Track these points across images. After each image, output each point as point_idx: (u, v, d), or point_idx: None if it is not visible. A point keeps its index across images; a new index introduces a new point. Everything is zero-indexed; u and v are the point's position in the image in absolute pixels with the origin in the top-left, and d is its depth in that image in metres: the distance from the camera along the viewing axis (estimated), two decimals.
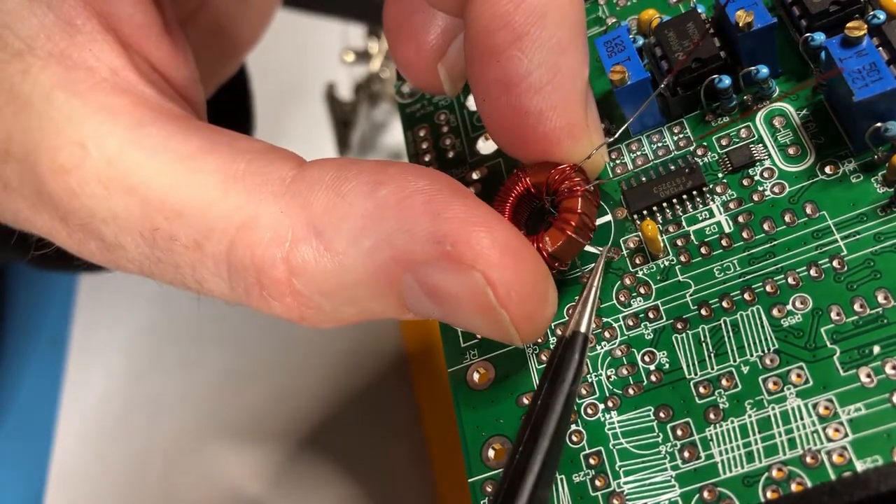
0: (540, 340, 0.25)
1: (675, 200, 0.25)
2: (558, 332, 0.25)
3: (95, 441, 0.51)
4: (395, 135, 0.53)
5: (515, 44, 0.22)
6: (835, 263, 0.22)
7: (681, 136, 0.26)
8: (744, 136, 0.25)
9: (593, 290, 0.23)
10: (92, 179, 0.23)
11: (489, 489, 0.23)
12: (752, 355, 0.22)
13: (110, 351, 0.55)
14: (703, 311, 0.23)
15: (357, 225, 0.21)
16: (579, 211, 0.23)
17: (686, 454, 0.22)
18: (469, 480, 0.24)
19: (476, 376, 0.25)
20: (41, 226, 0.25)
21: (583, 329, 0.22)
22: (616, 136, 0.26)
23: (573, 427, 0.23)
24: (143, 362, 0.53)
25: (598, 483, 0.22)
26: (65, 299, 0.58)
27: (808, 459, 0.20)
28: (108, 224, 0.23)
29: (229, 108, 0.42)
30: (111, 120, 0.23)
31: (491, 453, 0.24)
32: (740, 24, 0.24)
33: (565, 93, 0.23)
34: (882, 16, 0.24)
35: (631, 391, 0.23)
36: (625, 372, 0.24)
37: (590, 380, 0.24)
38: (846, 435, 0.20)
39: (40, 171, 0.23)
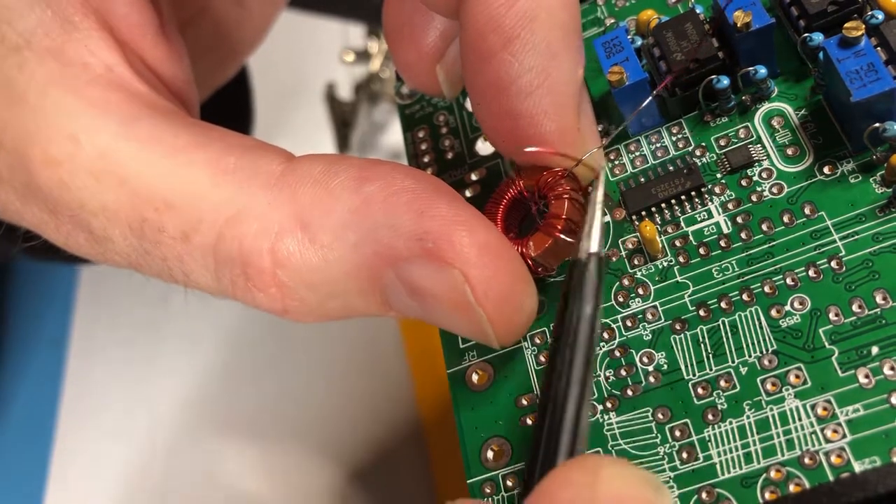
0: (538, 341, 0.25)
1: (673, 201, 0.25)
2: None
3: (95, 441, 0.51)
4: (395, 135, 0.53)
5: (506, 47, 0.22)
6: (833, 264, 0.22)
7: (679, 136, 0.26)
8: (742, 136, 0.25)
9: (598, 207, 0.22)
10: (83, 171, 0.23)
11: (488, 490, 0.23)
12: (750, 356, 0.22)
13: (110, 351, 0.55)
14: (701, 312, 0.23)
15: (343, 219, 0.22)
16: (564, 217, 0.23)
17: (684, 455, 0.22)
18: (468, 481, 0.24)
19: (475, 377, 0.25)
20: (30, 218, 0.25)
21: (594, 249, 0.22)
22: (607, 141, 0.25)
23: None
24: (143, 362, 0.53)
25: None
26: (65, 299, 0.58)
27: (807, 460, 0.20)
28: (98, 216, 0.23)
29: (230, 106, 0.42)
30: (104, 114, 0.24)
31: (490, 454, 0.24)
32: (738, 25, 0.24)
33: (556, 97, 0.23)
34: (880, 16, 0.23)
35: (629, 392, 0.23)
36: (623, 373, 0.24)
37: None
38: (844, 436, 0.20)
39: (31, 163, 0.24)
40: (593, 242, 0.22)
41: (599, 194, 0.23)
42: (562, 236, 0.23)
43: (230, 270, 0.23)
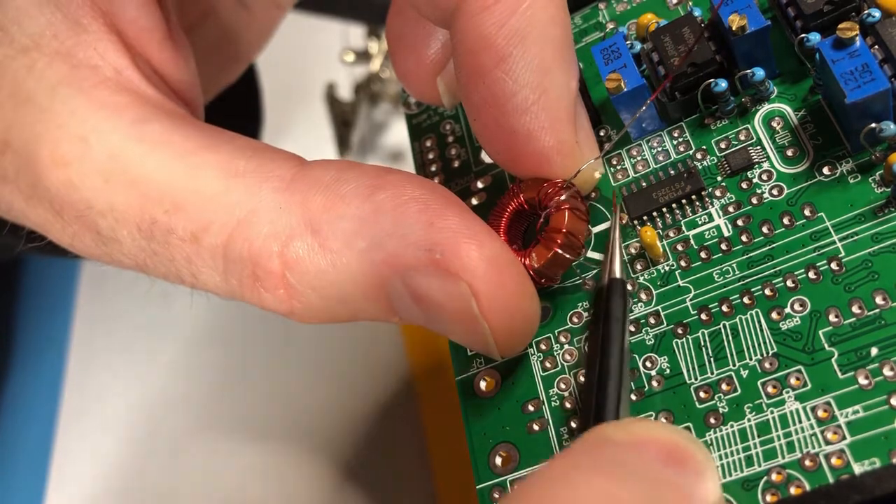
0: (544, 348, 0.25)
1: (674, 205, 0.25)
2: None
3: (95, 441, 0.51)
4: (395, 135, 0.53)
5: (499, 65, 0.22)
6: (833, 265, 0.23)
7: (680, 139, 0.26)
8: (742, 138, 0.25)
9: (617, 242, 0.25)
10: (92, 172, 0.23)
11: (497, 495, 0.24)
12: (751, 359, 0.22)
13: (111, 351, 0.55)
14: (703, 316, 0.24)
15: (353, 226, 0.22)
16: (564, 230, 0.24)
17: None
18: (477, 487, 0.24)
19: (483, 384, 0.25)
20: (35, 219, 0.25)
21: (617, 275, 0.24)
22: (604, 152, 0.26)
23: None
24: (143, 362, 0.54)
25: None
26: (65, 299, 0.58)
27: (807, 462, 0.21)
28: (106, 216, 0.24)
29: (240, 106, 0.42)
30: (114, 116, 0.24)
31: (498, 460, 0.24)
32: (734, 28, 0.24)
33: (552, 112, 0.23)
34: (877, 14, 0.23)
35: (633, 397, 0.24)
36: None
37: None
38: (844, 437, 0.20)
39: (39, 163, 0.24)
40: (616, 269, 0.24)
41: (617, 233, 0.25)
42: (560, 252, 0.24)
43: (239, 271, 0.23)
